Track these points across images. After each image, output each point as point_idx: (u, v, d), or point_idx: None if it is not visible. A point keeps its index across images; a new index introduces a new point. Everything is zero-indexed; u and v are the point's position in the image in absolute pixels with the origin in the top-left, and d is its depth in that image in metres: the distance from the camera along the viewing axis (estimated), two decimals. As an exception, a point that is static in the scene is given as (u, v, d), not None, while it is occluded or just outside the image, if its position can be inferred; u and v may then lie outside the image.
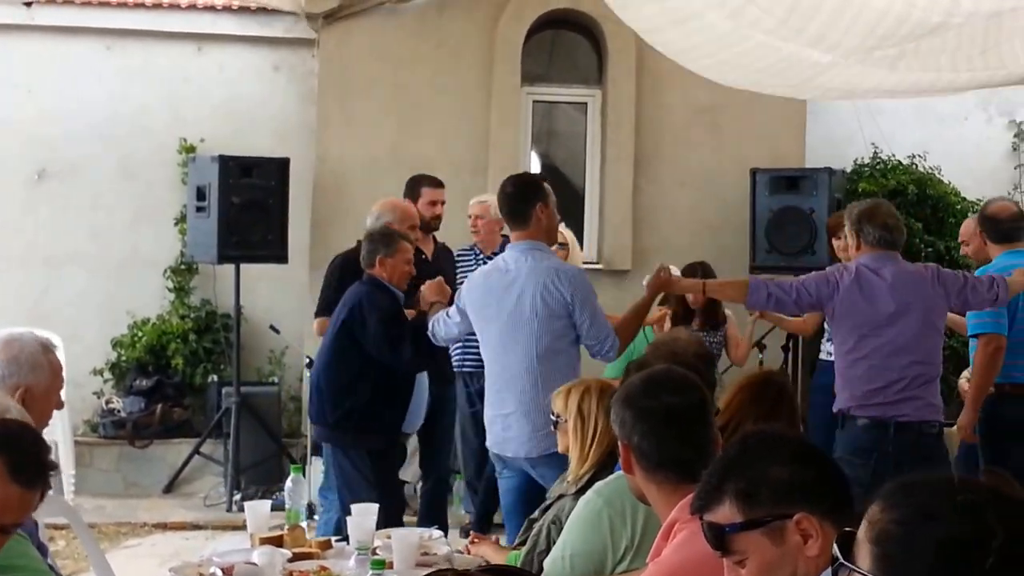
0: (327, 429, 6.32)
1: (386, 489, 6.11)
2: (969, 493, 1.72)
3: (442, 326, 5.93)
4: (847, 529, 1.89)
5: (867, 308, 5.68)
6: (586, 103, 10.17)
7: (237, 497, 8.50)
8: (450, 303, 6.18)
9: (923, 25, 4.82)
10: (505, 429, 5.60)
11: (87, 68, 10.11)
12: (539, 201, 5.67)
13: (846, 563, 1.82)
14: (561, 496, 4.47)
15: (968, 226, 7.19)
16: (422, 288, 6.37)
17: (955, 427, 6.51)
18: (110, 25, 10.12)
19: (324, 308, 6.89)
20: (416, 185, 7.68)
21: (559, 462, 4.86)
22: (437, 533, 5.06)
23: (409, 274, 6.42)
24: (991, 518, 1.67)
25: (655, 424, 3.16)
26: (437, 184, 7.70)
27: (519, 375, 5.55)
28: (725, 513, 2.39)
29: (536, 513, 4.69)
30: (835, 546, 1.87)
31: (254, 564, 4.22)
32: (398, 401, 6.29)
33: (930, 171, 10.07)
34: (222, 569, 4.18)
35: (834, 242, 7.62)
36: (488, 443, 5.78)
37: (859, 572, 1.78)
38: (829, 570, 1.94)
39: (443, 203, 7.69)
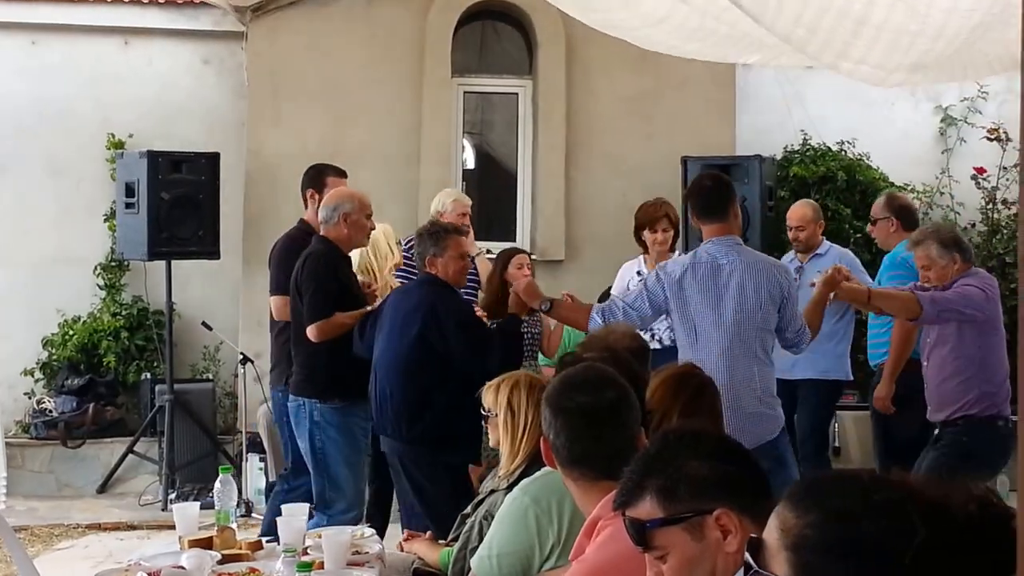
0: (403, 444, 6.05)
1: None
2: (885, 492, 1.72)
3: (620, 315, 5.85)
4: (753, 536, 1.89)
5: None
6: (517, 93, 10.18)
7: (172, 496, 8.45)
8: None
9: (845, 14, 4.85)
10: (746, 417, 5.66)
11: (12, 64, 9.98)
12: (735, 196, 5.97)
13: (762, 572, 1.81)
14: (493, 491, 4.48)
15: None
16: (517, 290, 6.22)
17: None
18: (35, 20, 9.99)
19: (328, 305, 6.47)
20: (321, 175, 7.33)
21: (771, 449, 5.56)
22: (369, 531, 5.04)
23: (466, 269, 6.33)
24: (912, 516, 1.67)
25: (567, 422, 3.24)
26: (342, 175, 7.40)
27: (749, 367, 5.70)
28: (646, 509, 2.41)
29: (469, 508, 4.70)
30: (747, 554, 1.86)
31: (182, 568, 4.18)
32: (477, 412, 6.10)
33: (859, 157, 10.18)
34: (149, 574, 4.14)
35: (647, 235, 7.71)
36: None
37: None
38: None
39: None
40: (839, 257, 7.59)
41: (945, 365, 6.25)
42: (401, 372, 5.97)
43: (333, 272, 6.44)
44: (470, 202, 8.04)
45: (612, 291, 7.92)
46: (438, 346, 5.94)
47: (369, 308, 6.47)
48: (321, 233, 6.57)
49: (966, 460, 6.05)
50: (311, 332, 6.35)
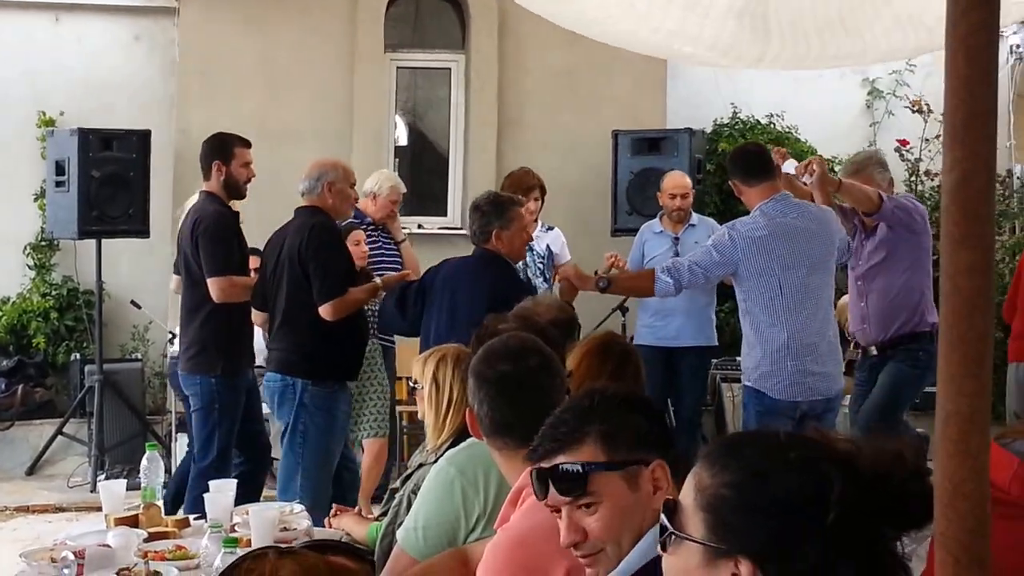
0: None
1: None
2: (799, 448, 1.73)
3: (687, 275, 5.94)
4: (668, 498, 1.87)
5: None
6: (450, 69, 10.16)
7: (102, 477, 8.32)
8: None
9: None
10: (824, 374, 5.86)
11: (-61, 41, 9.83)
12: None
13: (678, 533, 1.79)
14: (421, 465, 4.47)
15: None
16: (566, 275, 6.32)
17: None
18: (-39, -4, 9.85)
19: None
20: (228, 145, 6.85)
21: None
22: (299, 507, 5.02)
23: (527, 243, 6.26)
24: (827, 471, 1.68)
25: (489, 391, 3.24)
26: (248, 144, 7.00)
27: (828, 318, 5.95)
28: (587, 453, 2.40)
29: (397, 483, 4.69)
30: (663, 516, 1.83)
31: (108, 546, 4.16)
32: None
33: (787, 130, 10.30)
34: (75, 553, 4.11)
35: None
36: (795, 397, 5.83)
37: (693, 541, 1.76)
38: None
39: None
40: (710, 228, 7.71)
41: (893, 283, 6.45)
42: None
43: (340, 245, 6.32)
44: (404, 190, 7.99)
45: None
46: None
47: (378, 281, 6.40)
48: (305, 204, 6.36)
49: (925, 371, 6.35)
50: (327, 311, 6.10)
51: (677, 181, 7.97)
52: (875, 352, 6.58)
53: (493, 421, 3.25)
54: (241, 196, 6.87)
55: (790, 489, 1.69)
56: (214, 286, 6.58)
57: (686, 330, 7.81)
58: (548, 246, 7.91)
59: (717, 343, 8.17)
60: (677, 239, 7.82)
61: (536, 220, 7.90)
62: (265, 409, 6.94)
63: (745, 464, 1.75)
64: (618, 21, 5.75)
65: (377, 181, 7.87)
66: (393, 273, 6.62)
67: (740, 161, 6.19)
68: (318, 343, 6.18)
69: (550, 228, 8.07)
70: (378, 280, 6.46)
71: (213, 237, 6.63)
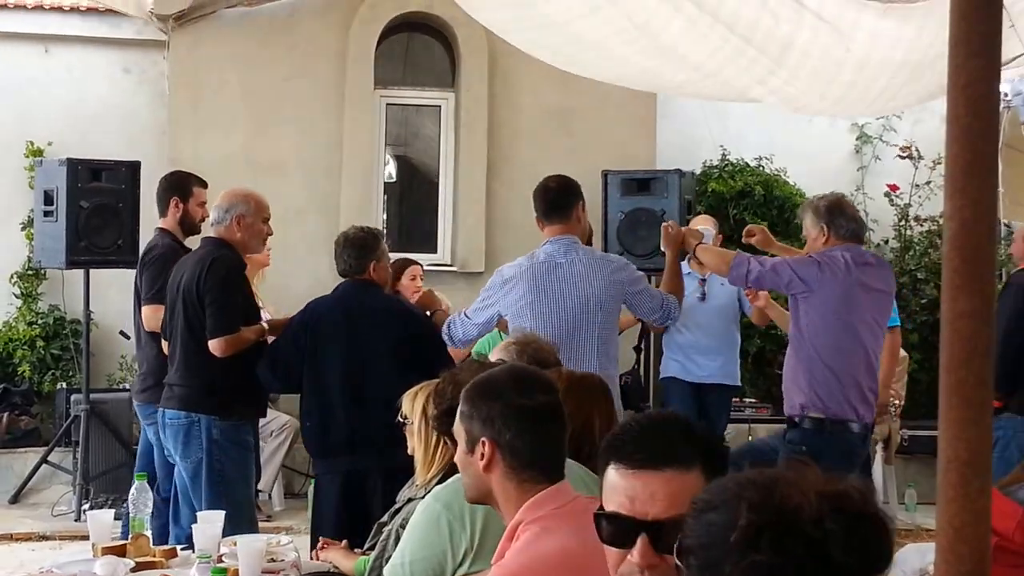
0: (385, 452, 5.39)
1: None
2: (737, 484, 1.81)
3: (460, 328, 5.85)
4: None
5: (869, 295, 5.75)
6: (440, 106, 10.21)
7: (86, 506, 8.34)
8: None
9: (773, 36, 4.94)
10: None
11: (-70, 70, 9.85)
12: (580, 200, 5.87)
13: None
14: (410, 500, 4.47)
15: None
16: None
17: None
18: (-46, 26, 9.88)
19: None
20: (187, 183, 6.95)
21: None
22: (286, 539, 5.02)
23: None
24: (742, 506, 1.75)
25: (531, 422, 3.10)
26: (205, 185, 7.04)
27: (587, 369, 5.50)
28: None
29: (385, 517, 4.69)
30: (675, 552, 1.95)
31: (95, 575, 4.16)
32: None
33: (776, 172, 10.37)
34: (62, 581, 4.12)
35: None
36: None
37: (676, 560, 1.90)
38: None
39: None
40: None
41: (791, 354, 5.87)
42: (395, 377, 5.30)
43: (240, 282, 6.13)
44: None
45: None
46: (427, 344, 5.87)
47: (264, 324, 6.21)
48: (212, 235, 6.19)
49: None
50: (217, 346, 5.92)
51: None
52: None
53: (534, 452, 3.09)
54: (196, 232, 6.88)
55: (718, 518, 1.79)
56: (145, 311, 6.71)
57: (714, 368, 7.96)
58: None
59: (739, 383, 8.39)
60: (703, 280, 8.01)
61: None
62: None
63: (706, 496, 1.87)
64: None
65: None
66: (279, 318, 6.44)
67: (538, 198, 5.86)
68: (225, 377, 6.01)
69: None
70: (264, 323, 6.27)
71: (155, 266, 6.70)
